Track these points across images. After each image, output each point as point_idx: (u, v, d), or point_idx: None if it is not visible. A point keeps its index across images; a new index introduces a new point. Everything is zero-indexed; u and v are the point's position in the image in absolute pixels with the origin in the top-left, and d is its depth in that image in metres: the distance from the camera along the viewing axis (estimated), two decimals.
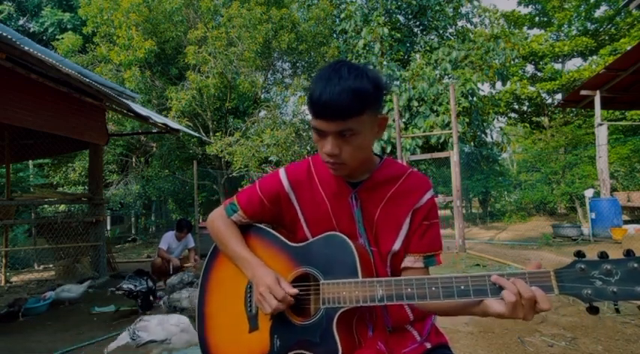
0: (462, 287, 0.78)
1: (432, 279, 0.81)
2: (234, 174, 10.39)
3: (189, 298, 3.40)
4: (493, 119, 12.63)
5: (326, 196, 1.00)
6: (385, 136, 10.05)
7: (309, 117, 0.92)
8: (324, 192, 1.00)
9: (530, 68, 17.23)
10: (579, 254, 0.73)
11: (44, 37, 13.91)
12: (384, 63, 10.86)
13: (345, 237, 0.92)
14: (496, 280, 0.76)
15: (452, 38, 12.97)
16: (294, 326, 0.93)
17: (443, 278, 0.80)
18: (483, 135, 12.28)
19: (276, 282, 0.91)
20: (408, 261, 0.98)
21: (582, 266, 0.72)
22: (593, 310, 0.71)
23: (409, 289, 0.82)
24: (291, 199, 1.03)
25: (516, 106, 17.45)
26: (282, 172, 1.04)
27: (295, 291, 0.91)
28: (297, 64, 12.03)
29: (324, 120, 0.85)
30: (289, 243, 1.01)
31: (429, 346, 0.98)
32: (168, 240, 5.10)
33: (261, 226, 1.08)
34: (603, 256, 0.71)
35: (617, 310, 0.72)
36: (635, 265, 0.68)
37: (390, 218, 0.98)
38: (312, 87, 0.86)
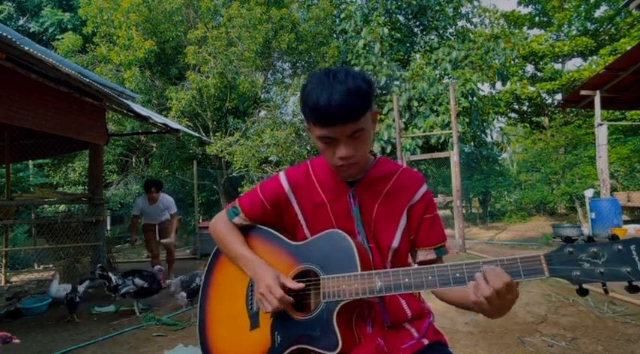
0: (457, 275, 0.81)
1: (429, 268, 0.84)
2: (234, 174, 10.38)
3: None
4: (493, 119, 12.59)
5: (325, 196, 1.02)
6: (385, 136, 10.05)
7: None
8: (323, 193, 1.03)
9: (530, 68, 17.21)
10: (568, 239, 0.76)
11: (44, 37, 13.88)
12: (384, 63, 10.82)
13: (343, 233, 0.94)
14: (486, 269, 0.78)
15: (452, 38, 12.94)
16: (294, 322, 0.94)
17: (439, 267, 0.83)
18: (483, 135, 12.24)
19: (276, 281, 0.92)
20: (421, 255, 1.03)
21: (570, 249, 0.75)
22: (583, 292, 0.74)
23: (406, 279, 0.85)
24: (290, 201, 1.06)
25: (516, 106, 17.42)
26: (282, 175, 1.07)
27: (300, 285, 0.93)
28: (297, 64, 12.00)
29: (336, 126, 0.85)
30: (289, 241, 1.03)
31: (426, 341, 0.99)
32: (140, 205, 5.04)
33: (262, 226, 1.10)
34: (590, 240, 0.75)
35: (606, 291, 0.75)
36: (620, 247, 0.71)
37: (388, 214, 1.01)
38: (312, 96, 0.85)
